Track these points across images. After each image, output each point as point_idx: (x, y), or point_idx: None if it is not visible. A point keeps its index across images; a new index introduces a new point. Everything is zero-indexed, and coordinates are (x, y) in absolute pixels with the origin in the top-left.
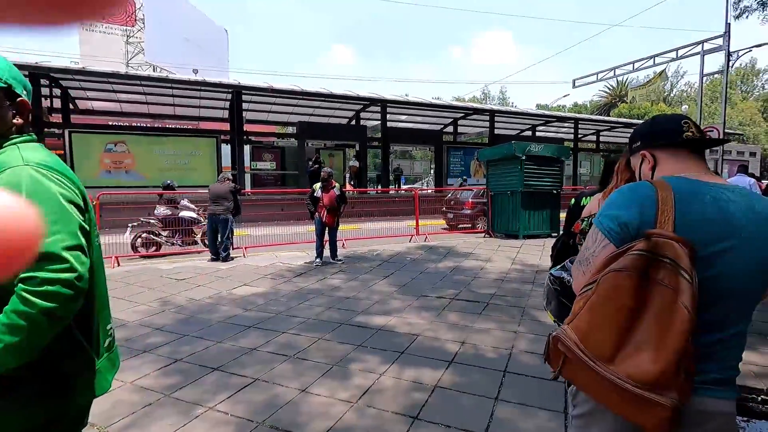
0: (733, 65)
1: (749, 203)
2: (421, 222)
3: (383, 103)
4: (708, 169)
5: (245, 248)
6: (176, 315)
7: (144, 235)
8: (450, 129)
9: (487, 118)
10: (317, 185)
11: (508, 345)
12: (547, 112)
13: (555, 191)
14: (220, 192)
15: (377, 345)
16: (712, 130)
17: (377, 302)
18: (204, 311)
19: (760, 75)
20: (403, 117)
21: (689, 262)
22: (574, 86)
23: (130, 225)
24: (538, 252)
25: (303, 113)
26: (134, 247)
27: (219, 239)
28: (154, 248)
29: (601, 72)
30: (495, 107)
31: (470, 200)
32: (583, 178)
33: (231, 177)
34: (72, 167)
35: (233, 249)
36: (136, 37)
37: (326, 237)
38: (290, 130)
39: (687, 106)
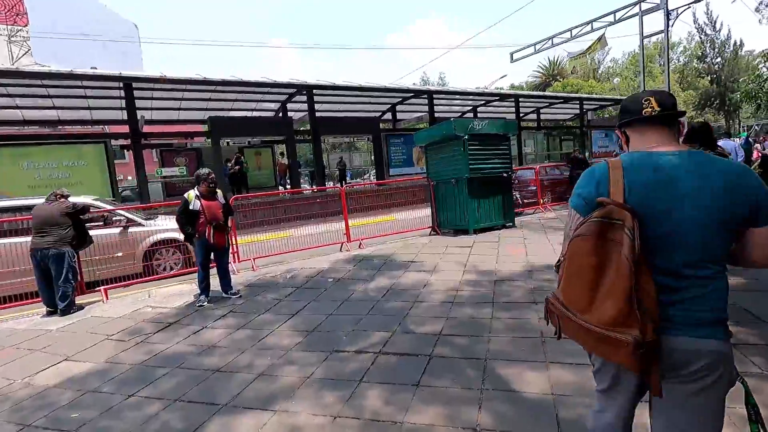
0: (673, 24)
1: (692, 165)
2: (362, 221)
3: (309, 90)
4: (666, 139)
5: (104, 290)
6: None
7: None
8: (389, 116)
9: (426, 101)
10: (191, 193)
11: None
12: (487, 90)
13: (506, 174)
14: (46, 217)
15: None
16: None
17: (261, 375)
18: None
19: (675, 48)
20: (335, 105)
21: (631, 220)
22: (512, 60)
23: None
24: (493, 251)
25: (220, 108)
26: None
27: (59, 282)
28: None
29: (539, 42)
30: (433, 88)
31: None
32: (528, 158)
33: (65, 194)
34: None
35: (82, 293)
36: (20, 36)
37: (225, 265)
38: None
39: (618, 79)
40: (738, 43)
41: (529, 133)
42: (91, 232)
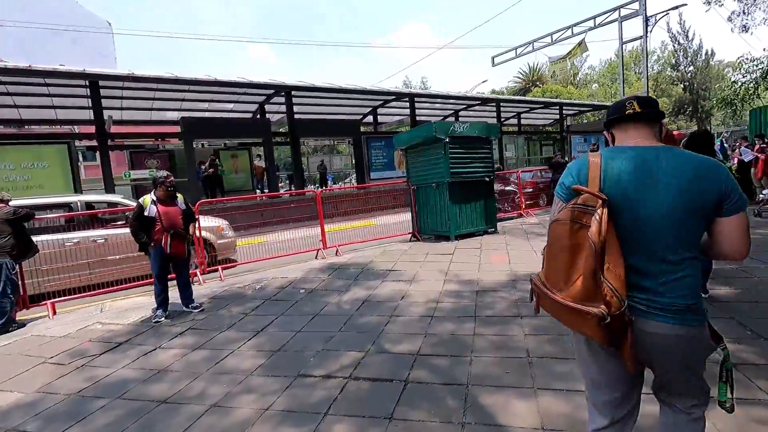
0: (651, 30)
1: (667, 160)
2: (341, 226)
3: (287, 91)
4: (646, 136)
5: (51, 304)
6: None
7: None
8: (370, 119)
9: (408, 104)
10: (147, 198)
11: None
12: (469, 94)
13: (488, 178)
14: None
15: None
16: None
17: (214, 406)
18: None
19: (650, 56)
20: (315, 107)
21: (602, 207)
22: (493, 64)
23: None
24: (475, 258)
25: (195, 108)
26: None
27: None
28: None
29: (520, 47)
30: (415, 91)
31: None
32: (509, 162)
33: (5, 198)
34: None
35: (25, 308)
36: None
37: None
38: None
39: (596, 85)
40: (709, 52)
41: (510, 137)
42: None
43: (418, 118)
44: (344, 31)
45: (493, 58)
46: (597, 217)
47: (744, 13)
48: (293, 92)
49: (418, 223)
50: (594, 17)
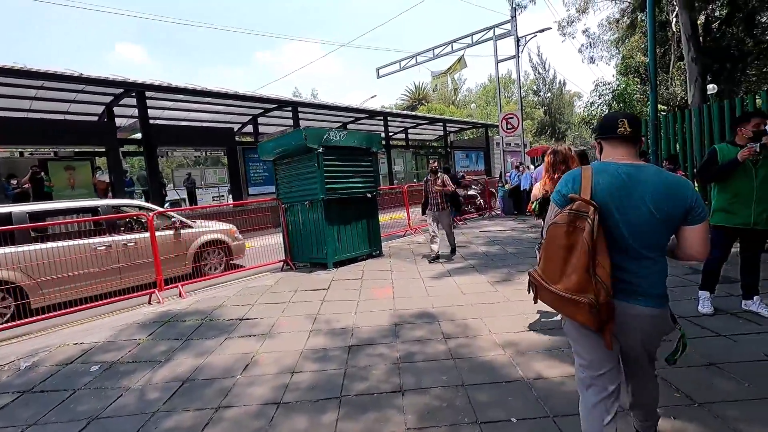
0: (522, 50)
1: (645, 176)
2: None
3: (140, 91)
4: (631, 154)
5: None
6: None
7: None
8: (250, 129)
9: (291, 113)
10: None
11: None
12: (356, 106)
13: (370, 194)
14: None
15: None
16: (513, 116)
17: None
18: None
19: (515, 83)
20: (182, 113)
21: (594, 213)
22: (378, 76)
23: None
24: (354, 294)
25: (8, 107)
26: None
27: None
28: None
29: (404, 60)
30: (298, 99)
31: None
32: (399, 176)
33: None
34: None
35: None
36: None
37: None
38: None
39: (475, 105)
40: (562, 81)
41: (398, 151)
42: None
43: None
44: (228, 39)
45: (377, 70)
46: (590, 222)
47: (591, 46)
48: (148, 93)
49: (290, 249)
50: (471, 34)
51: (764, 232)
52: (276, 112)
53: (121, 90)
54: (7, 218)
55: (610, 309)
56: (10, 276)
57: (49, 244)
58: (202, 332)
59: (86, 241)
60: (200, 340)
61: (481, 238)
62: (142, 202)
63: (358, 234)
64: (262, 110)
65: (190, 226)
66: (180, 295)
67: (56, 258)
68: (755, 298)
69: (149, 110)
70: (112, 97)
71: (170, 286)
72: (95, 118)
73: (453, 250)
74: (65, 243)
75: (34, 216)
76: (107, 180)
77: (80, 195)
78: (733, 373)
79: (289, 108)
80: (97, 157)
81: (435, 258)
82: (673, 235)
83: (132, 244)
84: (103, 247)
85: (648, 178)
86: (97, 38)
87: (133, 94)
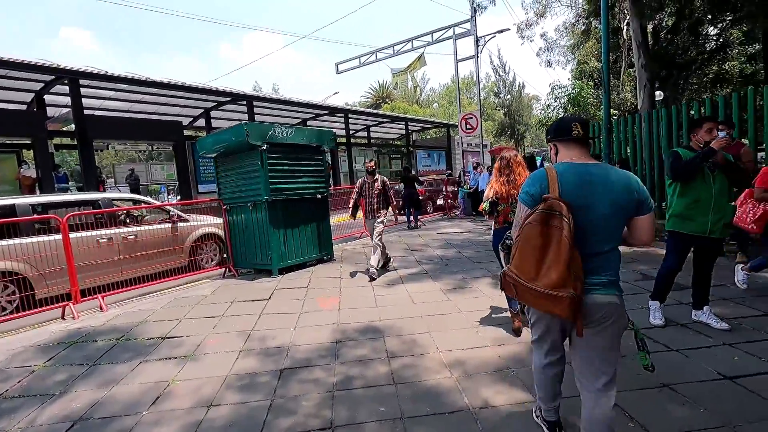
0: (481, 50)
1: (604, 175)
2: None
3: (73, 78)
4: (585, 154)
5: None
6: None
7: None
8: (202, 123)
9: (246, 108)
10: None
11: None
12: (316, 102)
13: (320, 195)
14: None
15: None
16: (472, 117)
17: None
18: None
19: (476, 85)
20: (126, 104)
21: (568, 211)
22: (337, 71)
23: None
24: (297, 304)
25: None
26: None
27: None
28: None
29: (364, 55)
30: (254, 93)
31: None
32: (359, 175)
33: None
34: None
35: None
36: None
37: None
38: None
39: (437, 104)
40: (521, 84)
41: (360, 149)
42: None
43: None
44: (190, 28)
45: (337, 65)
46: (566, 219)
47: (549, 50)
48: (83, 81)
49: (233, 254)
50: (432, 32)
51: (718, 242)
52: (230, 106)
53: (52, 77)
54: None
55: (581, 301)
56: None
57: None
58: (114, 355)
59: None
60: (109, 366)
61: (437, 240)
62: (138, 196)
63: (307, 238)
64: (215, 103)
65: (186, 220)
66: (100, 308)
67: None
68: (705, 308)
69: (85, 99)
70: (42, 84)
71: (90, 297)
72: (24, 107)
73: (386, 264)
74: None
75: None
76: (33, 175)
77: (3, 191)
78: (688, 396)
79: (244, 102)
80: (24, 150)
81: (375, 277)
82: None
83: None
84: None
85: (607, 176)
86: (39, 23)
87: (66, 81)
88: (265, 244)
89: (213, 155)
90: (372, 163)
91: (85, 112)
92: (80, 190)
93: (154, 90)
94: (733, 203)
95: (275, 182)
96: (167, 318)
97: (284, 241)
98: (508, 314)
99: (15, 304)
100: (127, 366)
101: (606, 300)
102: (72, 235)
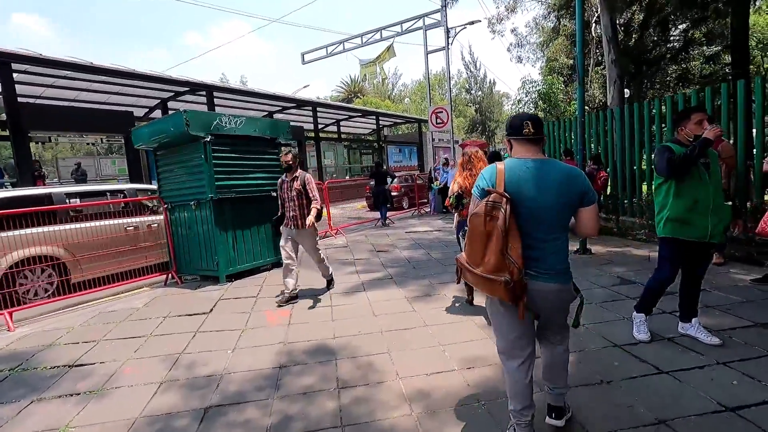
0: (452, 42)
1: (548, 169)
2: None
3: (4, 62)
4: (536, 151)
5: None
6: None
7: None
8: (159, 114)
9: (206, 99)
10: None
11: None
12: (282, 95)
13: (275, 193)
14: None
15: None
16: (442, 111)
17: None
18: None
19: (447, 81)
20: (73, 92)
21: (506, 203)
22: (303, 62)
23: None
24: (240, 319)
25: None
26: None
27: None
28: None
29: (331, 45)
30: (213, 82)
31: None
32: (329, 170)
33: None
34: None
35: None
36: None
37: None
38: None
39: (409, 99)
40: (492, 81)
41: (329, 144)
42: None
43: None
44: (158, 17)
45: (303, 55)
46: (502, 211)
47: (519, 45)
48: (15, 65)
49: (176, 259)
50: (401, 22)
51: (711, 246)
52: (190, 97)
53: None
54: None
55: (522, 286)
56: None
57: None
58: (1, 392)
59: None
60: None
61: (405, 240)
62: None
63: (261, 240)
64: (172, 93)
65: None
66: (7, 327)
67: None
68: (693, 321)
69: (21, 87)
70: None
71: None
72: None
73: (329, 283)
74: None
75: None
76: None
77: None
78: None
79: (203, 92)
80: None
81: (288, 300)
82: (573, 217)
83: None
84: None
85: (551, 170)
86: None
87: None
88: (211, 248)
89: (152, 147)
90: (289, 157)
91: (22, 100)
92: (14, 185)
93: (103, 78)
94: (728, 203)
95: (222, 178)
96: (82, 339)
97: (233, 244)
98: (476, 322)
99: None
100: (14, 407)
101: (550, 288)
102: None
